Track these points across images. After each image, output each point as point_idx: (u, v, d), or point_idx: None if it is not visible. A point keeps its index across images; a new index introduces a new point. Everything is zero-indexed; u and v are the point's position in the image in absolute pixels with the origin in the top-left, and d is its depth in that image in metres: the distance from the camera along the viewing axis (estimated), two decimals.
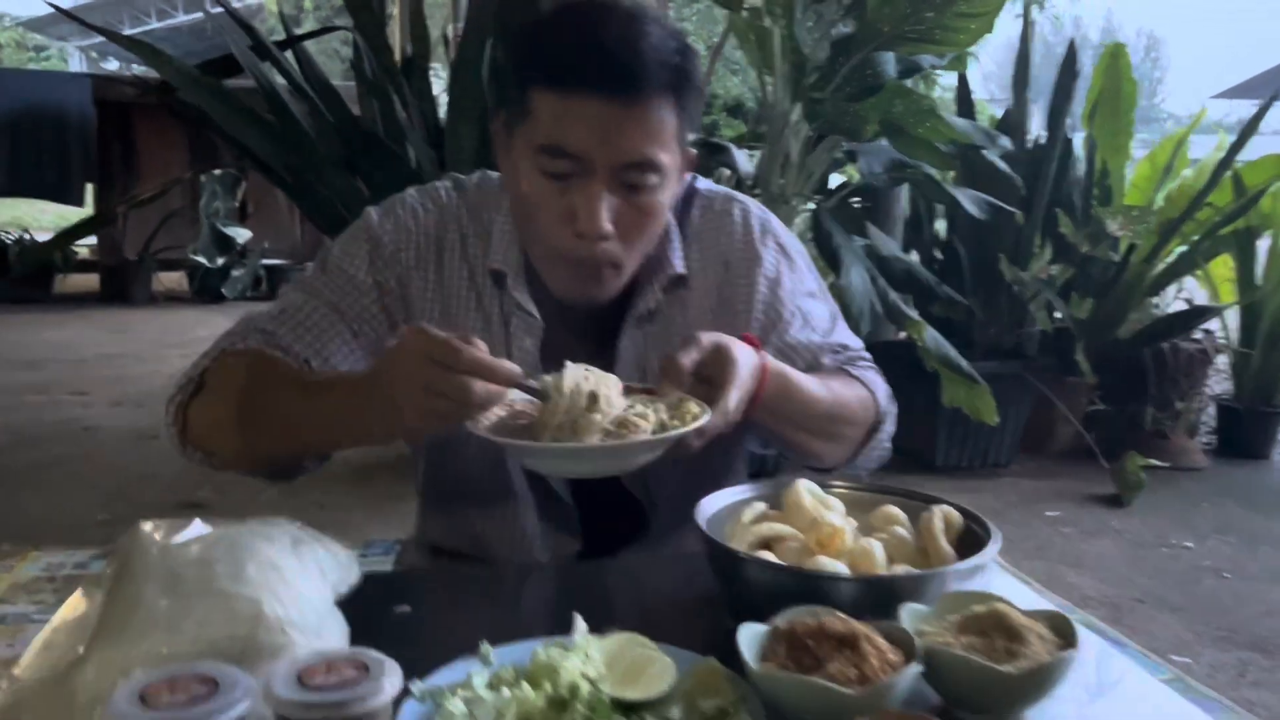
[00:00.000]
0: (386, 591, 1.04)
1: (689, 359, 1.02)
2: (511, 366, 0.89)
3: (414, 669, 0.78)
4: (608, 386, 0.97)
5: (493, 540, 1.24)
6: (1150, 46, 55.76)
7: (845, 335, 1.28)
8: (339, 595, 0.91)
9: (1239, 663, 2.51)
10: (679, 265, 1.20)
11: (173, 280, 9.02)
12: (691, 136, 1.14)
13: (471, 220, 1.21)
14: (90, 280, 8.98)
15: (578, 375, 0.96)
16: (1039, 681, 0.80)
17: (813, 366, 1.22)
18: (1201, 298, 4.71)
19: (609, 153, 1.04)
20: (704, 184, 1.29)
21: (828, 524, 1.01)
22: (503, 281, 1.18)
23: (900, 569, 1.01)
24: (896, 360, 4.10)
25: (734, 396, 1.01)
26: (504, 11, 2.89)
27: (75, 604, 1.04)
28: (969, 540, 1.04)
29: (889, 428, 1.26)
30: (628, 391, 1.02)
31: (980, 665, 0.79)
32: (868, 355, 1.29)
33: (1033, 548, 3.31)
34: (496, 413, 0.98)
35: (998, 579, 1.15)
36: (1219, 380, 4.81)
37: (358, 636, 0.87)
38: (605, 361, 1.14)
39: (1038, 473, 4.17)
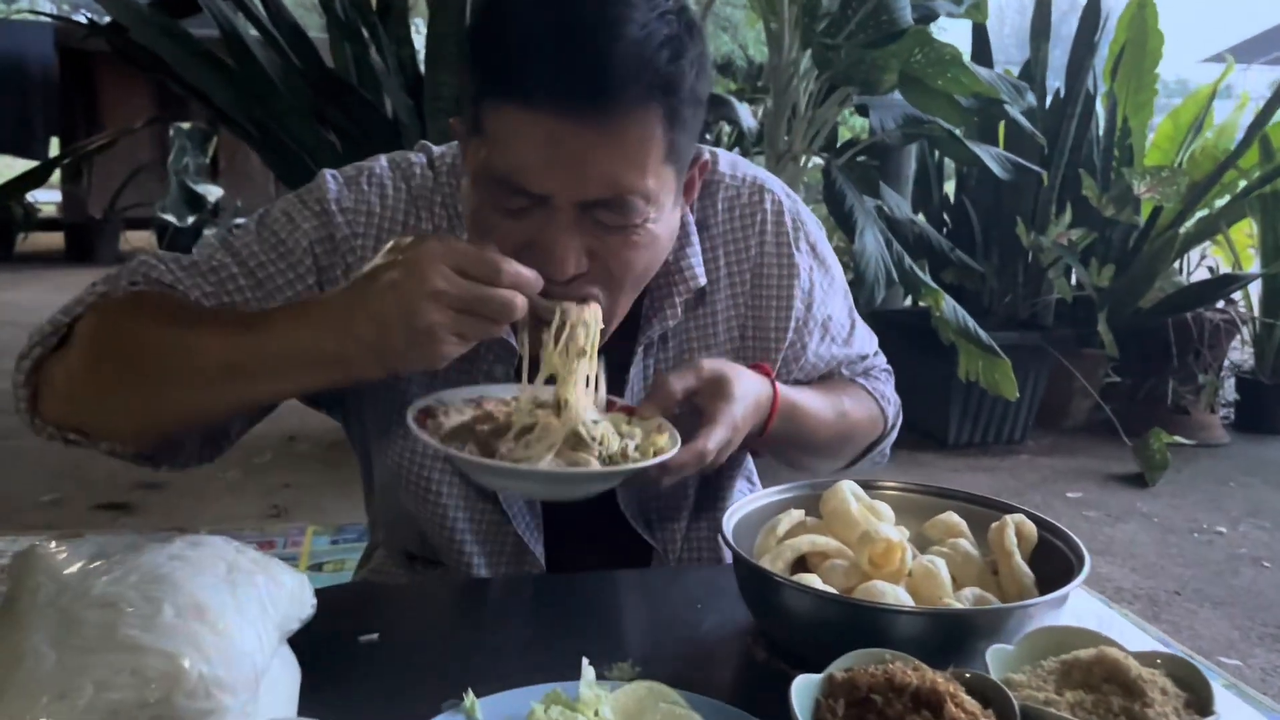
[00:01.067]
0: (350, 617, 0.89)
1: (682, 384, 0.92)
2: (537, 278, 0.80)
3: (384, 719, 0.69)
4: (581, 393, 0.88)
5: (459, 548, 1.06)
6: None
7: (863, 342, 1.19)
8: (288, 633, 0.75)
9: None
10: (700, 276, 1.02)
11: (141, 239, 8.77)
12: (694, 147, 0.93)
13: (445, 209, 1.00)
14: (54, 239, 8.75)
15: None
16: None
17: (828, 377, 1.15)
18: (1220, 265, 4.56)
19: (572, 187, 0.82)
20: (726, 163, 1.09)
21: (881, 538, 0.87)
22: None
23: (969, 594, 0.88)
24: (907, 330, 3.95)
25: (716, 436, 0.91)
26: None
27: None
28: (1045, 555, 0.91)
29: (892, 438, 1.21)
30: (609, 406, 0.94)
31: None
32: (882, 362, 1.22)
33: None
34: (459, 416, 0.89)
35: (1082, 602, 0.99)
36: (1236, 352, 4.69)
37: (313, 680, 0.76)
38: (613, 386, 0.98)
39: (1055, 449, 4.04)
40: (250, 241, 0.96)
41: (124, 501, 3.10)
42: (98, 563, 0.72)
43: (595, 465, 0.84)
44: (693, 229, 1.03)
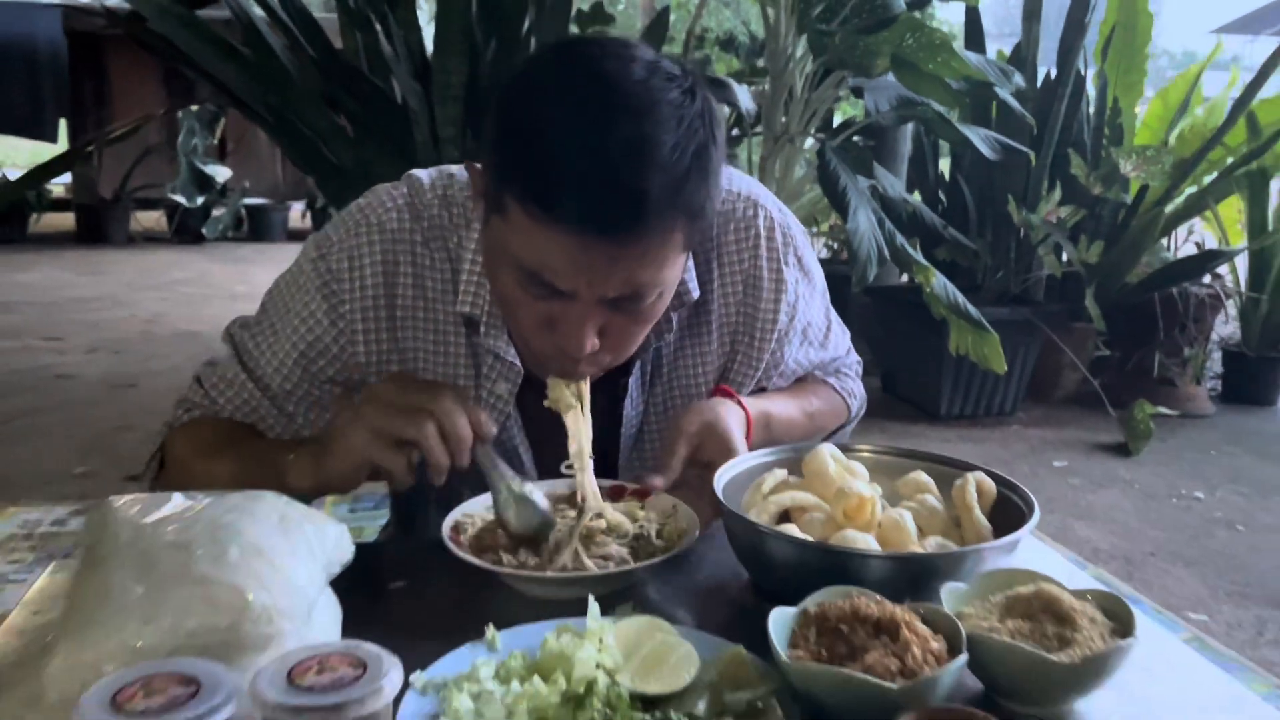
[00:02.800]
0: (381, 566, 0.99)
1: (681, 455, 1.01)
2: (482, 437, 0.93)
3: (413, 654, 0.73)
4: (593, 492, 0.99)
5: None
6: None
7: (836, 343, 1.28)
8: (331, 575, 0.85)
9: (1257, 620, 2.49)
10: (695, 290, 1.09)
11: (151, 220, 8.84)
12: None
13: (427, 248, 1.05)
14: (65, 220, 8.80)
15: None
16: (1094, 671, 0.75)
17: (803, 379, 1.26)
18: (1209, 240, 4.63)
19: (598, 289, 0.88)
20: (722, 177, 1.13)
21: (854, 493, 0.96)
22: (475, 326, 1.05)
23: (932, 542, 0.96)
24: (901, 306, 4.06)
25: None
26: None
27: (46, 584, 0.98)
28: (1004, 509, 0.99)
29: (852, 425, 1.31)
30: (618, 493, 1.03)
31: (1031, 655, 0.74)
32: (853, 360, 1.32)
33: (1042, 500, 3.23)
34: (483, 523, 1.00)
35: (1034, 550, 1.09)
36: (1223, 326, 4.77)
37: (351, 618, 0.82)
38: (609, 403, 1.09)
39: (1044, 421, 4.13)
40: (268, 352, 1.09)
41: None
42: (167, 513, 0.82)
43: (625, 557, 0.93)
44: None
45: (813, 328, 1.21)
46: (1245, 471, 3.59)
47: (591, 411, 1.00)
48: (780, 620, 0.77)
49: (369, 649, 0.67)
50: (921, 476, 1.03)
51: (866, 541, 0.91)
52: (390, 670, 0.65)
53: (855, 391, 1.28)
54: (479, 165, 0.96)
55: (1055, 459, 3.67)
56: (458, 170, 1.10)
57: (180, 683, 0.62)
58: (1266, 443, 3.97)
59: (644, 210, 0.83)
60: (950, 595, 0.82)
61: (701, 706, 0.73)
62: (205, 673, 0.63)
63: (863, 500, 0.95)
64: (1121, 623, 0.79)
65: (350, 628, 0.82)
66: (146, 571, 0.74)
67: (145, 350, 4.92)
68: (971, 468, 1.02)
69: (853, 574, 0.83)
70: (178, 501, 0.83)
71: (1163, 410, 3.71)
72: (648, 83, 0.84)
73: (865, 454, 1.08)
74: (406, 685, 0.71)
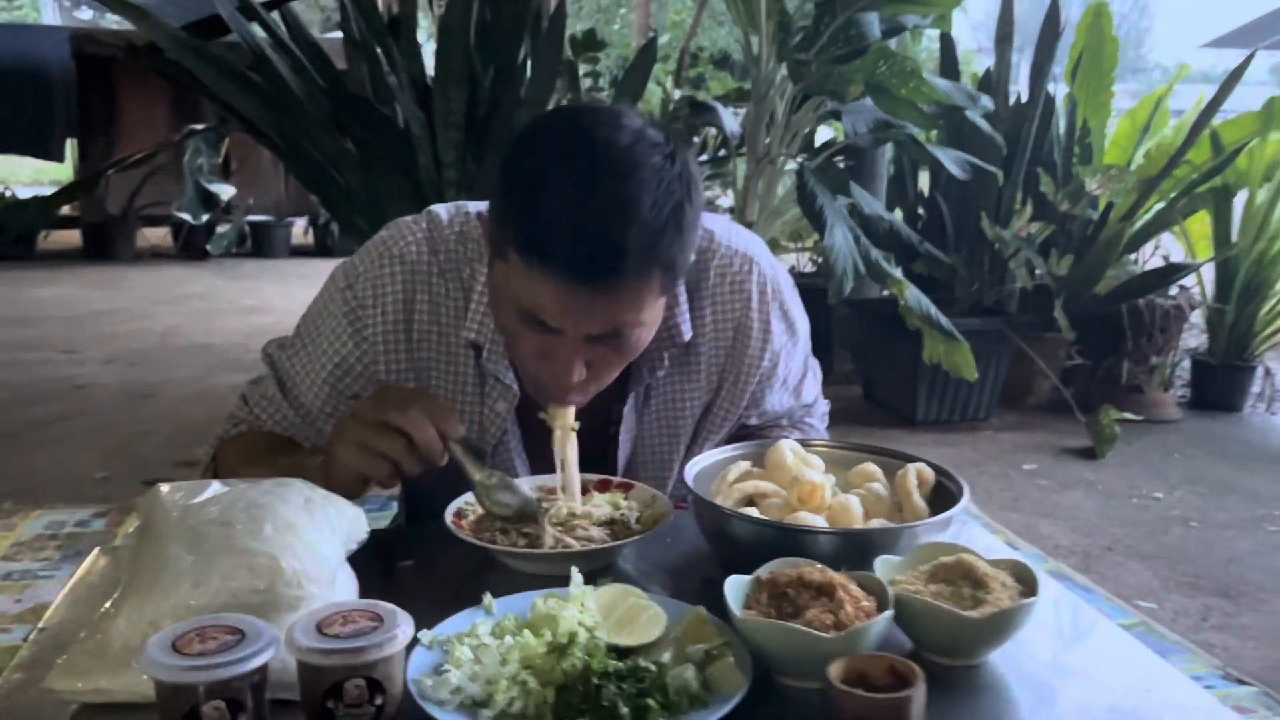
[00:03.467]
0: (391, 548, 1.11)
1: None
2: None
3: (421, 620, 0.82)
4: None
5: None
6: None
7: (809, 390, 1.39)
8: (349, 551, 0.97)
9: (1202, 608, 2.62)
10: (687, 332, 1.20)
11: (157, 236, 8.98)
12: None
13: (443, 279, 1.17)
14: (72, 237, 8.92)
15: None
16: (1001, 625, 0.86)
17: (776, 427, 1.37)
18: (1179, 254, 4.79)
19: (583, 327, 1.01)
20: (721, 233, 1.25)
21: (807, 481, 1.07)
22: (480, 351, 1.18)
23: (876, 523, 1.07)
24: (879, 317, 4.21)
25: None
26: None
27: (93, 565, 1.10)
28: (942, 495, 1.11)
29: None
30: (604, 485, 1.17)
31: (946, 611, 0.86)
32: (822, 405, 1.44)
33: (1009, 499, 3.41)
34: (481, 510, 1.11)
35: (976, 533, 1.22)
36: (1194, 335, 4.92)
37: (366, 590, 0.92)
38: (606, 429, 1.23)
39: (1016, 426, 4.27)
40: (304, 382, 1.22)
41: (168, 478, 3.33)
42: (209, 496, 0.95)
43: (605, 538, 1.06)
44: (682, 293, 1.19)
45: (792, 375, 1.33)
46: (1204, 473, 3.73)
47: (590, 436, 1.13)
48: (736, 586, 0.89)
49: (385, 606, 0.80)
50: (870, 467, 1.14)
51: (817, 522, 1.02)
52: (403, 623, 0.78)
53: (817, 433, 1.42)
54: (486, 215, 1.10)
55: (1025, 462, 3.80)
56: (473, 207, 1.22)
57: (228, 632, 0.75)
58: (1227, 446, 4.11)
59: (623, 261, 0.95)
60: (884, 565, 0.94)
61: (667, 657, 0.85)
62: (248, 624, 0.76)
63: (815, 487, 1.07)
64: (1029, 586, 0.92)
65: (365, 596, 0.91)
66: (196, 544, 0.87)
67: (161, 361, 5.06)
68: (913, 459, 1.15)
69: (802, 548, 0.94)
70: (216, 488, 0.96)
71: (1128, 416, 3.85)
72: (632, 148, 0.96)
73: (822, 449, 1.20)
74: (415, 641, 0.82)
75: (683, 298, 1.20)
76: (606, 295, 0.98)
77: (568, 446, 1.12)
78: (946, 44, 4.11)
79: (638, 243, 0.95)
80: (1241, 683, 2.15)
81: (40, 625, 0.96)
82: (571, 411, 1.12)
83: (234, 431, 1.26)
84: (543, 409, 1.13)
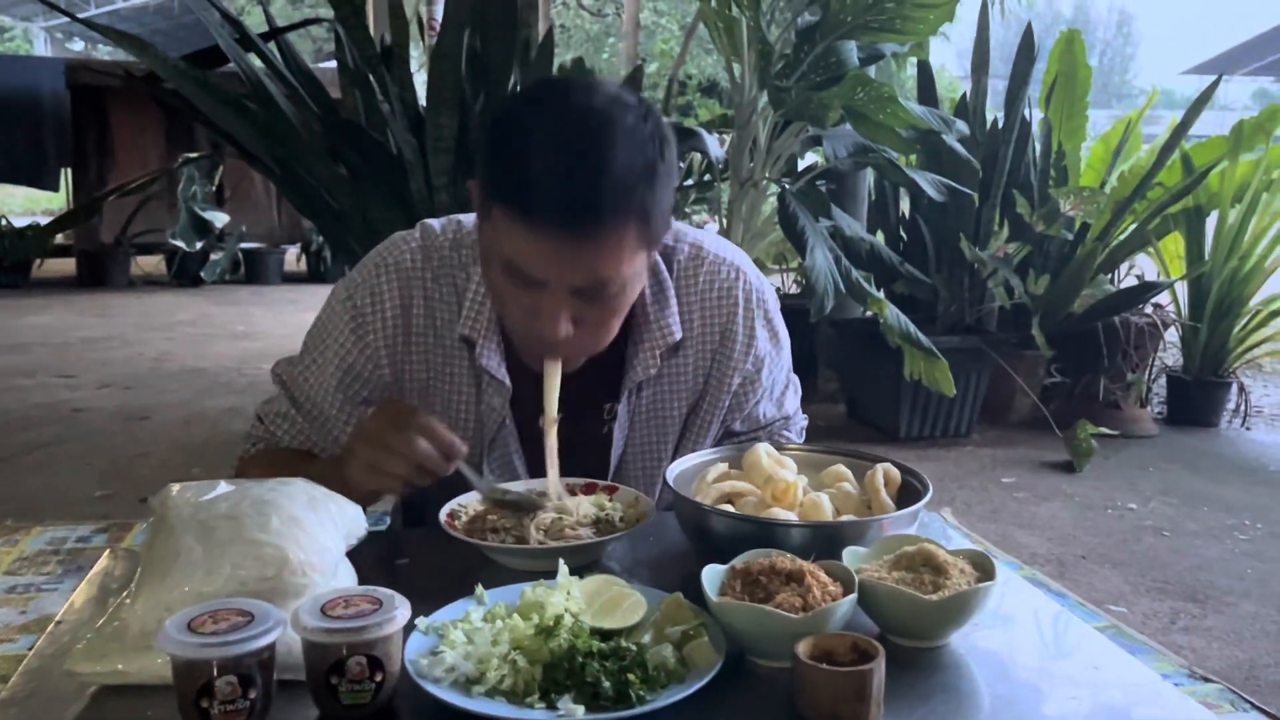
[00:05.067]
0: (387, 547, 1.16)
1: None
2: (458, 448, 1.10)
3: (417, 612, 0.88)
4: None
5: None
6: (1122, 22, 56.12)
7: (789, 403, 1.45)
8: (349, 545, 1.03)
9: (1171, 611, 2.70)
10: (677, 331, 1.26)
11: (151, 264, 9.03)
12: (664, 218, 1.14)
13: (436, 284, 1.24)
14: (66, 265, 8.98)
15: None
16: (959, 608, 0.93)
17: (755, 432, 1.41)
18: (1154, 274, 4.90)
19: (566, 277, 1.05)
20: (711, 244, 1.31)
21: (781, 480, 1.14)
22: (474, 348, 1.23)
23: (846, 519, 1.14)
24: (861, 336, 4.29)
25: None
26: (481, 3, 2.98)
27: (104, 565, 1.16)
28: (908, 494, 1.17)
29: None
30: (590, 488, 1.22)
31: (907, 594, 0.92)
32: (800, 419, 1.48)
33: (988, 511, 3.48)
34: (474, 511, 1.18)
35: (950, 533, 1.28)
36: (1170, 353, 5.02)
37: (365, 584, 0.97)
38: (602, 427, 1.29)
39: (996, 442, 4.35)
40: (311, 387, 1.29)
41: None
42: (218, 494, 1.01)
43: (592, 536, 1.11)
44: (671, 294, 1.26)
45: (776, 386, 1.40)
46: (1177, 485, 3.81)
47: (587, 434, 1.20)
48: (712, 574, 0.95)
49: (383, 591, 0.86)
50: (841, 468, 1.21)
51: (789, 518, 1.09)
52: (400, 606, 0.84)
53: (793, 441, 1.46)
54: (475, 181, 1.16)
55: (1004, 476, 3.88)
56: (465, 218, 1.29)
57: (239, 614, 0.81)
58: (1201, 460, 4.19)
59: (599, 209, 1.01)
60: (850, 556, 1.00)
61: (647, 638, 0.91)
62: (257, 607, 0.82)
63: (788, 485, 1.14)
64: (986, 573, 0.99)
65: None
66: (207, 536, 0.92)
67: (155, 385, 5.13)
68: (881, 460, 1.22)
69: (776, 541, 1.00)
70: (224, 487, 1.01)
71: (1105, 431, 3.94)
72: (608, 110, 1.03)
73: (796, 451, 1.27)
74: (413, 627, 0.88)
75: (671, 298, 1.26)
76: (585, 244, 1.03)
77: (549, 436, 1.18)
78: (924, 71, 4.23)
79: (613, 192, 1.01)
80: (1207, 680, 2.22)
81: (58, 618, 1.02)
82: (556, 390, 1.16)
83: (253, 451, 1.33)
84: (540, 409, 1.18)
